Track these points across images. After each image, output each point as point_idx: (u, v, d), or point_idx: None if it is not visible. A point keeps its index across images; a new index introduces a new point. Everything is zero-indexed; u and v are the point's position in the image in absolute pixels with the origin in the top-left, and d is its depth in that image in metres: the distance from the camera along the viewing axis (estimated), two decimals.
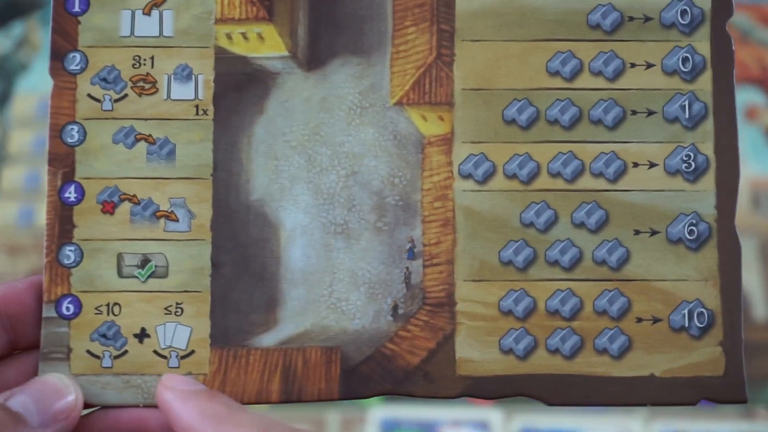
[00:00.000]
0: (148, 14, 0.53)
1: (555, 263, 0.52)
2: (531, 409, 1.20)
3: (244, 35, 0.53)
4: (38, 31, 1.28)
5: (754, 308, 1.12)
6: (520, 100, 0.52)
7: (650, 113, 0.52)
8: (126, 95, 0.52)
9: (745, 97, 1.22)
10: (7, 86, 1.25)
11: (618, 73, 0.52)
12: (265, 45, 0.53)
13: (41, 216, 1.19)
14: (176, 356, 0.51)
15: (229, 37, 0.53)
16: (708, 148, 0.52)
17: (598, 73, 0.52)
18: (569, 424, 1.17)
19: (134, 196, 0.52)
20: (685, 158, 0.52)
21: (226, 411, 0.46)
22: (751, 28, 1.21)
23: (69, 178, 0.52)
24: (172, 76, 0.52)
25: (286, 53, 0.53)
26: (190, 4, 0.53)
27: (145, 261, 0.51)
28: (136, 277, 0.51)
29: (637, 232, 0.52)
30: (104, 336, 0.51)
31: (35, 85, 1.26)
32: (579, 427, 1.16)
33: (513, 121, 0.52)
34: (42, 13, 1.28)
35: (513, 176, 0.52)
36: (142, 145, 0.52)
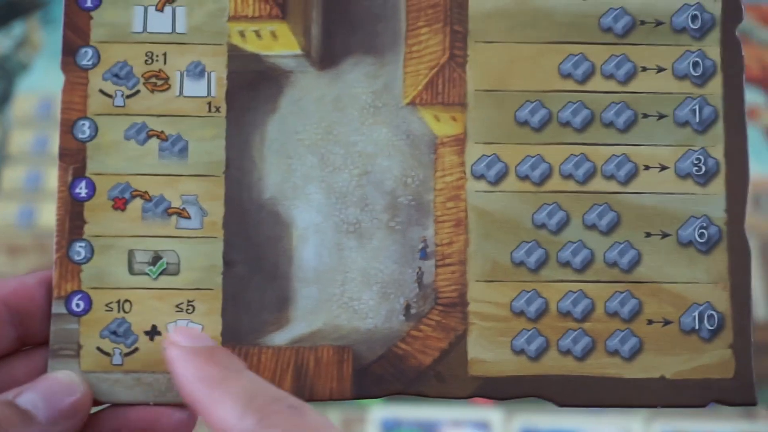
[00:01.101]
0: (161, 10, 0.52)
1: (567, 264, 0.52)
2: (531, 409, 1.20)
3: (258, 33, 0.53)
4: (38, 31, 1.27)
5: (755, 308, 1.13)
6: (532, 102, 0.52)
7: (661, 117, 0.53)
8: (138, 91, 0.52)
9: (745, 97, 1.23)
10: (8, 86, 1.25)
11: (629, 77, 0.53)
12: (278, 43, 0.53)
13: (41, 216, 1.18)
14: None
15: (242, 34, 0.53)
16: (718, 152, 0.52)
17: (610, 76, 0.53)
18: (569, 425, 1.17)
19: (146, 192, 0.51)
20: (695, 162, 0.52)
21: (221, 375, 0.45)
22: (751, 28, 1.22)
23: (80, 173, 0.51)
24: (185, 72, 0.52)
25: (299, 51, 0.53)
26: (204, 1, 0.52)
27: (156, 258, 0.51)
28: (147, 274, 0.51)
29: (648, 235, 0.52)
30: (114, 333, 0.50)
31: (35, 85, 1.25)
32: (579, 427, 1.16)
33: (525, 123, 0.52)
34: (42, 13, 1.27)
35: (525, 177, 0.52)
36: (154, 142, 0.52)
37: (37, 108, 1.24)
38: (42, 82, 1.24)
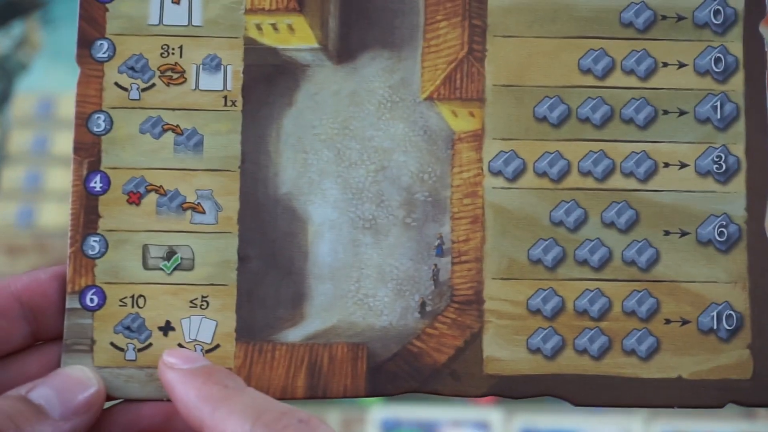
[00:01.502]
0: (177, 3, 0.52)
1: (584, 263, 0.51)
2: (531, 409, 1.20)
3: (274, 26, 0.52)
4: (38, 31, 1.27)
5: None
6: (551, 98, 0.52)
7: (682, 113, 0.52)
8: (154, 84, 0.51)
9: None
10: (7, 86, 1.25)
11: (650, 72, 0.52)
12: (295, 36, 0.52)
13: (41, 216, 1.18)
14: (201, 350, 0.50)
15: (258, 27, 0.52)
16: (739, 150, 0.52)
17: (630, 72, 0.52)
18: (569, 424, 1.17)
19: (161, 187, 0.51)
20: (716, 159, 0.52)
21: (223, 393, 0.45)
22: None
23: (95, 167, 0.51)
24: (201, 66, 0.52)
25: (316, 45, 0.52)
26: None
27: (170, 253, 0.51)
28: (162, 269, 0.51)
29: (666, 233, 0.51)
30: (128, 328, 0.50)
31: (35, 85, 1.25)
32: (579, 427, 1.16)
33: (544, 119, 0.52)
34: (42, 12, 1.27)
35: (543, 174, 0.52)
36: (169, 136, 0.51)
37: (37, 108, 1.24)
38: (41, 82, 1.24)
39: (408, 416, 1.19)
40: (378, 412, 1.19)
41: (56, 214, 1.18)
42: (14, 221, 1.20)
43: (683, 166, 0.52)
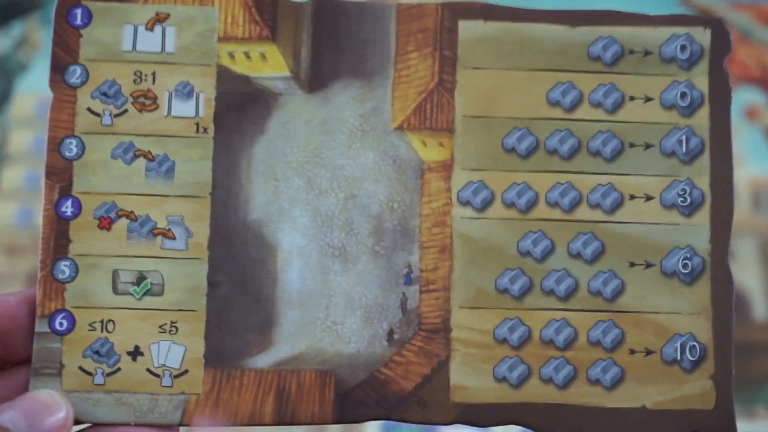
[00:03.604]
0: (151, 30, 0.52)
1: (550, 293, 0.52)
2: None
3: (247, 54, 0.53)
4: (38, 31, 1.27)
5: (754, 308, 1.13)
6: (520, 129, 0.52)
7: (648, 146, 0.53)
8: (126, 110, 0.52)
9: (745, 97, 1.23)
10: (7, 86, 1.24)
11: (617, 106, 0.53)
12: (267, 65, 0.53)
13: (41, 216, 1.18)
14: (169, 375, 0.50)
15: (231, 55, 0.52)
16: (704, 183, 0.53)
17: (598, 105, 0.53)
18: None
19: (132, 212, 0.51)
20: (681, 192, 0.52)
21: None
22: (751, 28, 1.22)
23: (66, 192, 0.51)
24: (174, 92, 0.52)
25: (288, 74, 0.53)
26: (193, 21, 0.52)
27: (140, 278, 0.51)
28: (131, 294, 0.51)
29: (632, 264, 0.52)
30: (97, 353, 0.50)
31: (35, 85, 1.25)
32: None
33: (512, 150, 0.52)
34: (42, 13, 1.27)
35: (511, 205, 0.52)
36: (141, 162, 0.52)
37: (37, 108, 1.24)
38: (41, 82, 1.24)
39: None
40: None
41: None
42: (14, 221, 1.19)
43: (649, 198, 0.52)
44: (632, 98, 0.53)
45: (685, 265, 0.52)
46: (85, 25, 0.52)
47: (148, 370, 0.50)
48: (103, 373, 0.50)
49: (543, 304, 0.52)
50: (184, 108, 0.52)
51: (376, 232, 0.52)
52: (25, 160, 1.22)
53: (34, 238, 1.17)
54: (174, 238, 0.51)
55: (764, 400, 1.09)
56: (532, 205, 0.52)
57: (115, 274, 0.51)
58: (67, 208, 0.51)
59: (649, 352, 0.52)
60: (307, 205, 0.52)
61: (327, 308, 0.51)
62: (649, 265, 0.52)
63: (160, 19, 0.52)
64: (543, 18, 0.53)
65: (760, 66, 1.25)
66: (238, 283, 0.51)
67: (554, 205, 0.52)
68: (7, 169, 1.22)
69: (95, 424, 0.50)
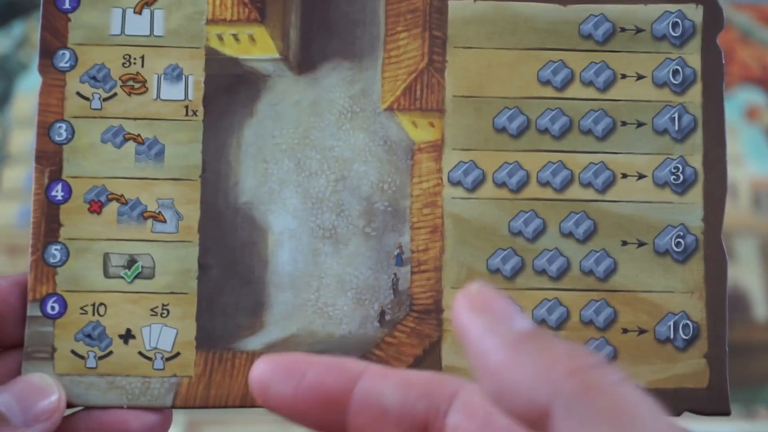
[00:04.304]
0: (139, 13, 0.52)
1: (542, 272, 0.52)
2: None
3: (236, 37, 0.52)
4: (38, 31, 1.27)
5: (755, 308, 1.12)
6: (510, 109, 0.52)
7: (640, 125, 0.52)
8: (115, 94, 0.52)
9: (745, 97, 1.23)
10: (8, 86, 1.24)
11: (609, 84, 0.53)
12: (256, 47, 0.53)
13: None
14: (161, 358, 0.50)
15: (220, 38, 0.52)
16: (696, 161, 0.52)
17: (589, 84, 0.53)
18: None
19: (122, 196, 0.51)
20: (673, 170, 0.52)
21: None
22: (751, 28, 1.21)
23: (56, 176, 0.51)
24: (162, 76, 0.52)
25: (277, 56, 0.53)
26: (182, 4, 0.52)
27: (131, 261, 0.51)
28: (122, 277, 0.51)
29: (624, 243, 0.52)
30: (89, 336, 0.50)
31: (35, 85, 1.25)
32: None
33: (503, 130, 0.52)
34: None
35: (502, 184, 0.52)
36: (130, 145, 0.52)
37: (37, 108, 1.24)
38: None
39: None
40: None
41: None
42: (14, 221, 1.19)
43: (641, 177, 0.52)
44: (624, 76, 0.53)
45: (678, 244, 0.52)
46: (74, 9, 0.52)
47: (139, 353, 0.51)
48: (95, 357, 0.50)
49: (535, 284, 0.52)
50: (173, 91, 0.52)
51: (366, 214, 0.52)
52: (26, 160, 1.22)
53: None
54: (164, 222, 0.51)
55: (764, 400, 1.09)
56: (523, 184, 0.52)
57: (106, 257, 0.51)
58: (58, 192, 0.51)
59: (641, 331, 0.51)
60: (297, 187, 0.52)
61: (318, 290, 0.51)
62: (641, 244, 0.52)
63: (148, 2, 0.52)
64: None
65: (761, 66, 1.25)
66: (229, 266, 0.51)
67: (546, 184, 0.52)
68: (8, 169, 1.22)
69: (87, 408, 0.50)
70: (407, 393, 0.38)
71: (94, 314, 0.51)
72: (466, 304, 0.34)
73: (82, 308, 0.51)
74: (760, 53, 1.24)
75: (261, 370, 0.38)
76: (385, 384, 0.38)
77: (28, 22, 1.27)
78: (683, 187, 0.52)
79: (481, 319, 0.34)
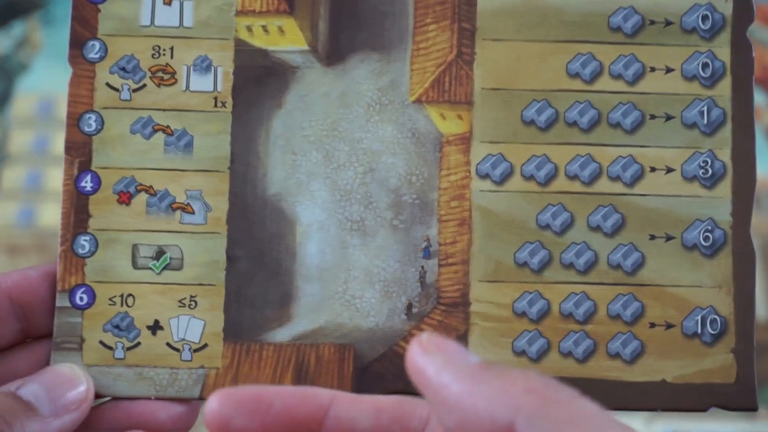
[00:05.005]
0: (169, 4, 0.52)
1: (570, 266, 0.52)
2: None
3: (265, 28, 0.52)
4: (38, 31, 1.27)
5: (755, 309, 1.12)
6: (539, 101, 0.52)
7: (669, 118, 0.52)
8: (144, 85, 0.52)
9: (753, 99, 1.22)
10: (8, 86, 1.25)
11: (638, 77, 0.52)
12: (285, 38, 0.53)
13: (41, 216, 1.18)
14: (189, 349, 0.51)
15: (249, 29, 0.52)
16: (725, 155, 0.52)
17: (618, 76, 0.52)
18: None
19: (151, 187, 0.51)
20: (702, 164, 0.52)
21: None
22: (752, 28, 1.21)
23: (85, 167, 0.51)
24: (192, 67, 0.52)
25: (306, 47, 0.53)
26: None
27: (160, 253, 0.51)
28: (151, 268, 0.51)
29: (652, 237, 0.52)
30: (117, 327, 0.51)
31: (35, 85, 1.25)
32: None
33: (532, 122, 0.52)
34: (42, 13, 1.27)
35: (530, 177, 0.52)
36: (159, 136, 0.52)
37: (37, 108, 1.24)
38: (42, 82, 1.23)
39: None
40: None
41: (56, 214, 1.17)
42: (14, 221, 1.20)
43: (669, 170, 0.52)
44: (653, 69, 0.52)
45: (706, 238, 0.52)
46: (104, 0, 0.52)
47: (167, 344, 0.51)
48: (123, 348, 0.51)
49: (562, 278, 0.52)
50: (202, 82, 0.52)
51: (394, 206, 0.52)
52: (26, 160, 1.22)
53: (35, 238, 1.17)
54: (193, 213, 0.51)
55: (764, 400, 1.09)
56: (551, 177, 0.52)
57: (134, 248, 0.51)
58: (87, 183, 0.51)
59: (669, 326, 0.51)
60: (325, 179, 0.52)
61: (346, 282, 0.52)
62: (669, 238, 0.52)
63: None
64: None
65: (761, 66, 1.24)
66: (257, 258, 0.51)
67: (574, 177, 0.52)
68: (8, 169, 1.22)
69: (115, 398, 0.50)
70: (379, 418, 0.39)
71: (122, 305, 0.51)
72: (419, 349, 0.37)
73: (110, 299, 0.51)
74: (760, 53, 1.23)
75: (215, 407, 0.38)
76: (356, 410, 0.39)
77: (28, 22, 1.27)
78: (712, 181, 0.52)
79: (436, 359, 0.36)
